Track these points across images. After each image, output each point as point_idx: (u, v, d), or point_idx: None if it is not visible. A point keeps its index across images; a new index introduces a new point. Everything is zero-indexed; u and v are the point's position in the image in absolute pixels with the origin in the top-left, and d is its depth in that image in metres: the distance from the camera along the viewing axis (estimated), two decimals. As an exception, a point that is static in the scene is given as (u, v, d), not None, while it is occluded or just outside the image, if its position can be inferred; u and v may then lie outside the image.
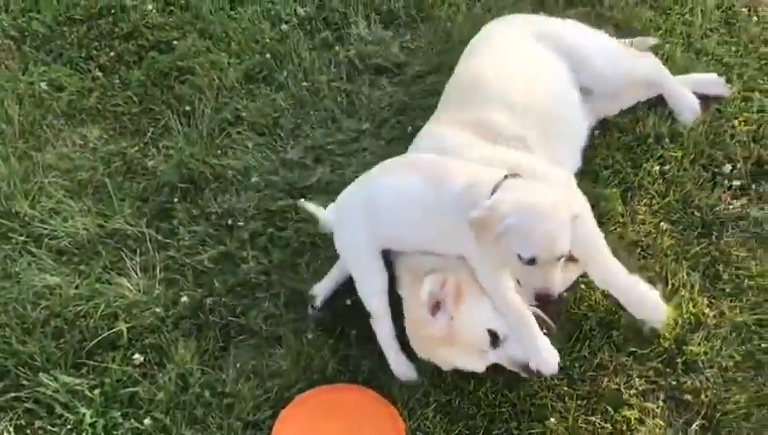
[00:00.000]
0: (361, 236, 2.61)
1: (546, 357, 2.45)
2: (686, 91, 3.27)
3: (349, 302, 2.77)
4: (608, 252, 2.67)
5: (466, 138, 2.72)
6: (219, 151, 3.32)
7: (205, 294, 2.91)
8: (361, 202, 2.63)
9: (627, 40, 3.44)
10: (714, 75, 3.35)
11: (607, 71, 3.14)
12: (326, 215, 2.84)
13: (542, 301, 2.39)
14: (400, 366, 2.65)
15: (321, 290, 2.83)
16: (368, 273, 2.64)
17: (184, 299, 2.88)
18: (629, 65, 3.23)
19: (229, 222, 3.09)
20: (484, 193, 2.38)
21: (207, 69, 3.62)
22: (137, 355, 2.75)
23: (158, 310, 2.86)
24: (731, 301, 2.75)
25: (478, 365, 2.54)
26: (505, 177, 2.40)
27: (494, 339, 2.48)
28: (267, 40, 3.73)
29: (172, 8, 3.93)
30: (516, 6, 3.76)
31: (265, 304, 2.86)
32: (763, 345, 2.64)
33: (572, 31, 3.18)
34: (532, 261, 2.30)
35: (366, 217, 2.59)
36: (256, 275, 2.94)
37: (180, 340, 2.78)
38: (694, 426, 2.49)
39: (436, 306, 2.49)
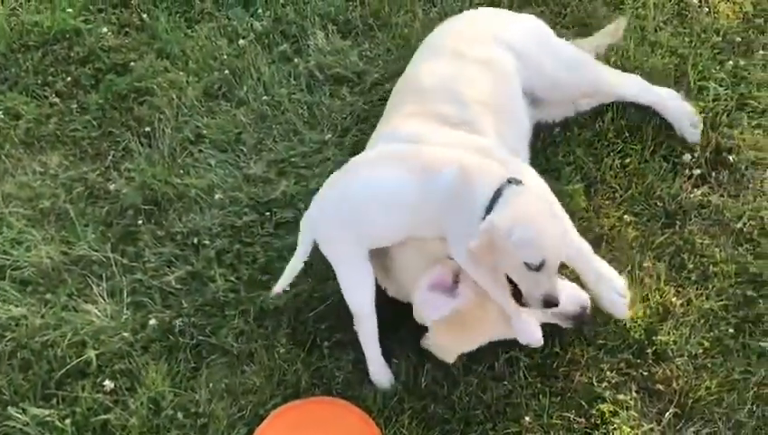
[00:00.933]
0: (347, 237, 2.54)
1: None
2: (679, 103, 3.23)
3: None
4: (576, 233, 2.71)
5: (423, 125, 2.71)
6: (182, 171, 3.29)
7: (173, 315, 2.88)
8: (342, 202, 2.55)
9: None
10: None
11: (563, 79, 3.12)
12: (302, 226, 2.68)
13: (549, 306, 2.41)
14: (380, 372, 2.63)
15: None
16: (356, 274, 2.58)
17: (152, 322, 2.85)
18: (593, 77, 3.21)
19: (195, 241, 3.06)
20: (485, 194, 2.38)
21: (166, 89, 3.58)
22: (107, 382, 2.71)
23: (126, 335, 2.82)
24: (697, 288, 2.79)
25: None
26: (508, 181, 2.39)
27: None
28: (225, 56, 3.71)
29: (128, 30, 3.89)
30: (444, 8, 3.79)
31: (235, 322, 2.83)
32: (730, 330, 2.68)
33: (530, 34, 3.16)
34: (539, 267, 2.31)
35: (349, 216, 2.52)
36: (225, 292, 2.91)
37: (151, 363, 2.75)
38: (667, 414, 2.52)
39: (454, 284, 2.48)
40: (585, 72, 3.20)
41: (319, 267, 2.90)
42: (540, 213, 2.36)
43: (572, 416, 2.52)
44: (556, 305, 2.41)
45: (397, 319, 2.67)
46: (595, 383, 2.58)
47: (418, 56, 3.13)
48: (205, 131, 3.43)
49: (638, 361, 2.62)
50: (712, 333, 2.68)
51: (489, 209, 2.36)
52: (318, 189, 3.11)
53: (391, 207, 2.49)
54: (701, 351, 2.64)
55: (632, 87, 3.25)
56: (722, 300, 2.75)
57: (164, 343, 2.81)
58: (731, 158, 3.12)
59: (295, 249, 2.77)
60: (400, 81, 3.08)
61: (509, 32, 3.10)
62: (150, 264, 3.02)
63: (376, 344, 2.63)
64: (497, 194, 2.37)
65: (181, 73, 3.66)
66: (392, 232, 2.56)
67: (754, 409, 2.52)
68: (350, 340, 2.73)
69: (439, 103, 2.79)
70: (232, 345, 2.78)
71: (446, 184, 2.42)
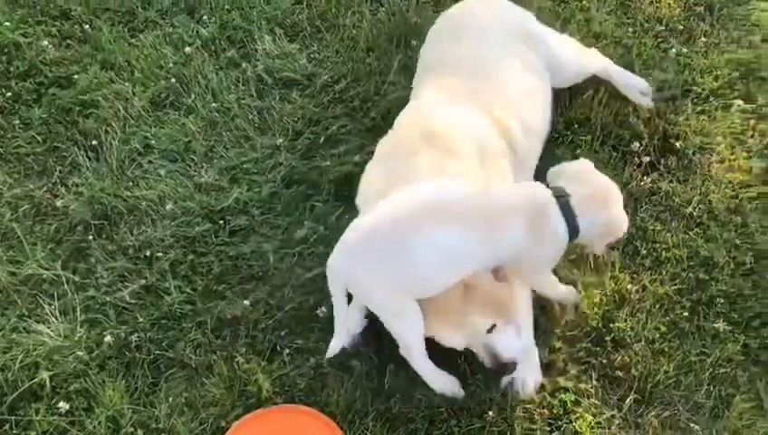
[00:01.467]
0: (394, 288, 2.43)
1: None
2: (632, 76, 3.37)
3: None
4: None
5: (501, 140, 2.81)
6: (131, 183, 3.23)
7: (129, 331, 2.81)
8: (395, 260, 2.40)
9: None
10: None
11: (574, 73, 3.26)
12: (331, 275, 2.53)
13: None
14: (445, 382, 2.57)
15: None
16: (406, 316, 2.47)
17: (108, 339, 2.78)
18: (590, 65, 3.33)
19: (148, 254, 3.00)
20: (561, 224, 2.51)
21: (112, 100, 3.51)
22: (62, 403, 2.63)
23: (81, 353, 2.75)
24: (651, 274, 2.83)
25: (459, 343, 2.52)
26: (557, 197, 2.52)
27: (491, 327, 2.47)
28: (171, 64, 3.65)
29: (69, 41, 3.80)
30: (419, 8, 3.79)
31: (193, 334, 2.78)
32: (684, 314, 2.73)
33: (549, 33, 3.27)
34: None
35: (403, 274, 2.41)
36: (181, 305, 2.86)
37: (107, 381, 2.68)
38: (627, 401, 2.55)
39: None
40: (580, 59, 3.30)
41: (275, 275, 2.88)
42: (605, 193, 2.61)
43: (535, 407, 2.53)
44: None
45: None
46: (556, 374, 2.60)
47: (479, 36, 3.07)
48: (153, 142, 3.37)
49: (597, 349, 2.65)
50: (667, 318, 2.72)
51: (572, 228, 2.51)
52: (272, 195, 3.11)
53: (459, 266, 2.43)
54: (658, 335, 2.68)
55: (599, 62, 3.36)
56: (675, 284, 2.79)
57: (120, 360, 2.75)
58: (678, 144, 3.17)
59: (249, 256, 2.76)
60: (455, 52, 3.03)
61: (539, 29, 3.25)
62: (103, 280, 2.96)
63: (429, 364, 2.54)
64: (567, 213, 2.51)
65: (127, 84, 3.59)
66: (449, 284, 2.46)
67: (711, 389, 2.56)
68: (310, 346, 2.71)
69: (514, 125, 2.85)
70: (190, 358, 2.73)
71: (517, 238, 2.46)
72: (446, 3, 3.78)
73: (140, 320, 2.83)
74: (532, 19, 3.28)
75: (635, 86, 3.34)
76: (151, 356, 2.75)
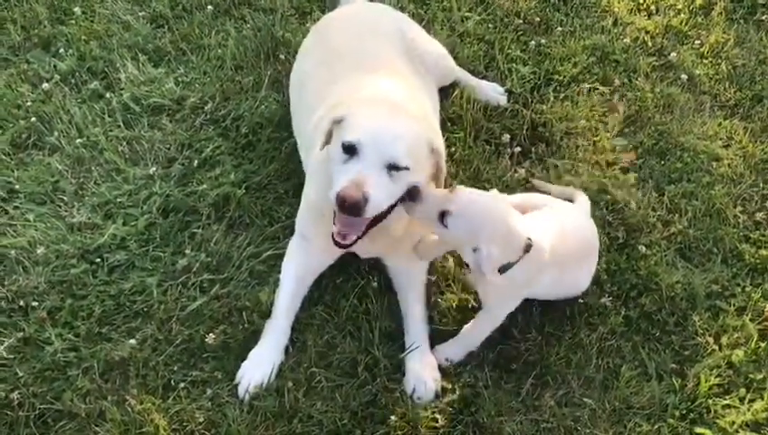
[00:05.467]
0: None
1: None
2: (484, 83, 3.49)
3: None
4: None
5: None
6: (-4, 232, 3.04)
7: (9, 388, 2.63)
8: None
9: None
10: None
11: (442, 67, 3.33)
12: None
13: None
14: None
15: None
16: None
17: (-15, 401, 2.61)
18: (454, 66, 3.45)
19: (22, 304, 2.82)
20: None
21: (-34, 147, 3.30)
22: (-59, 479, 2.46)
23: (-44, 422, 2.56)
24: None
25: None
26: None
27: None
28: (30, 103, 3.46)
29: None
30: (284, 22, 3.77)
31: (79, 382, 2.63)
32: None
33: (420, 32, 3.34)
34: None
35: None
36: (64, 353, 2.71)
37: (-10, 447, 2.52)
38: (525, 386, 2.63)
39: None
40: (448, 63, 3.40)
41: (161, 309, 2.79)
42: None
43: (436, 405, 2.56)
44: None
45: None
46: (454, 369, 2.65)
47: (359, 34, 3.10)
48: (17, 186, 3.18)
49: (492, 339, 2.69)
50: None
51: None
52: (149, 228, 3.01)
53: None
54: (547, 320, 2.76)
55: (458, 70, 3.46)
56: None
57: (2, 421, 2.57)
58: (545, 132, 3.29)
59: (132, 293, 2.67)
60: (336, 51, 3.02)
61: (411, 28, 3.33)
62: (-26, 338, 2.77)
63: None
64: None
65: (-19, 128, 3.38)
66: None
67: (600, 362, 2.68)
68: (205, 377, 2.64)
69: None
70: (79, 407, 2.59)
71: None
72: (311, 15, 3.80)
73: (21, 375, 2.66)
74: (405, 19, 3.35)
75: (492, 88, 3.46)
76: (36, 411, 2.59)
